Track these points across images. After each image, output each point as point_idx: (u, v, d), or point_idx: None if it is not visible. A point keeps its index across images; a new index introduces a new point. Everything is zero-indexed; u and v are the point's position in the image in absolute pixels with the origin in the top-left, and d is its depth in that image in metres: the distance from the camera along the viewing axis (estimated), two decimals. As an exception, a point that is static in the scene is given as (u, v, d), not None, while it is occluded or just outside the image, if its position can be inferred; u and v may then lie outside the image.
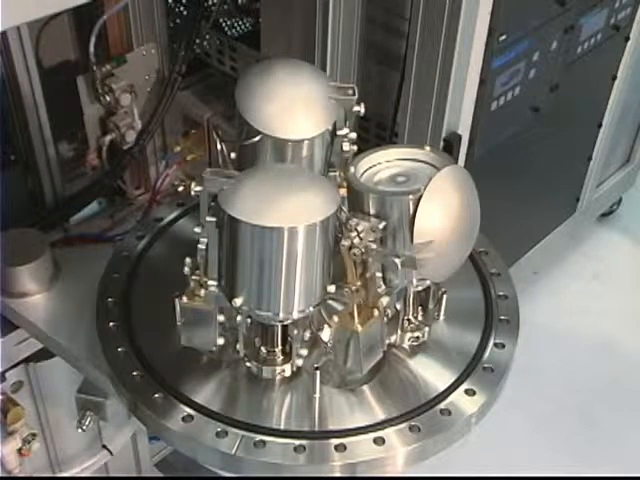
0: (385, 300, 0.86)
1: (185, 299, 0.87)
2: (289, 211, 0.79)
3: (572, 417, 1.82)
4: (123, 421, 1.27)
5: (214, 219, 0.81)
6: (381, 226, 0.83)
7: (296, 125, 0.89)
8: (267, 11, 1.37)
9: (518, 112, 1.45)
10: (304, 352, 0.91)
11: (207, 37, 1.48)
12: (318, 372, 0.90)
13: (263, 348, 0.92)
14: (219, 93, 1.49)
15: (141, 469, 1.48)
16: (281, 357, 0.93)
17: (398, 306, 0.93)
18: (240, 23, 1.50)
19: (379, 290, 0.85)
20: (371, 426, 0.88)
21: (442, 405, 0.89)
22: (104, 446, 1.29)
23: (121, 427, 1.29)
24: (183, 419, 0.87)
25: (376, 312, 0.86)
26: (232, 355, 0.93)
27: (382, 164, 0.88)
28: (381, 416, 0.89)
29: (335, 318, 0.86)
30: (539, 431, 1.79)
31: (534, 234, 1.87)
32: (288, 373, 0.93)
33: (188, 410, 0.88)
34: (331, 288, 0.85)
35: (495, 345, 0.95)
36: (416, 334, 0.95)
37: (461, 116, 1.26)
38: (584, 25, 1.48)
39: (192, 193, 0.82)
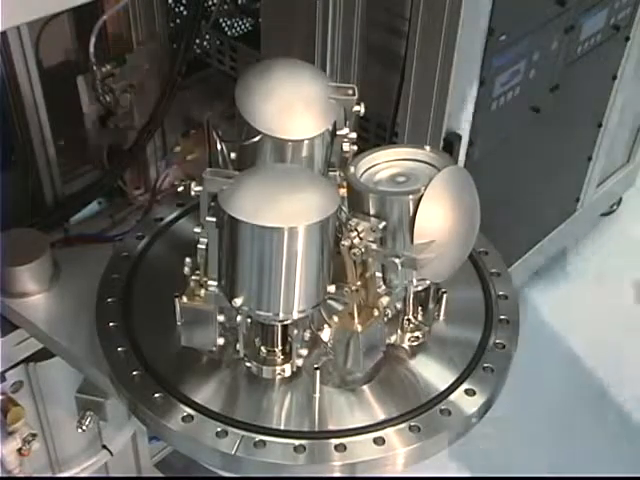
0: (385, 300, 0.86)
1: (185, 299, 0.87)
2: (289, 211, 0.79)
3: (572, 417, 1.82)
4: (123, 421, 1.27)
5: (214, 219, 0.81)
6: (381, 226, 0.83)
7: (296, 125, 0.89)
8: (267, 11, 1.37)
9: (518, 112, 1.44)
10: (304, 352, 0.91)
11: (207, 37, 1.48)
12: (318, 372, 0.90)
13: (263, 348, 0.93)
14: (219, 93, 1.49)
15: (141, 469, 1.48)
16: (281, 357, 0.93)
17: (398, 306, 0.93)
18: (240, 23, 1.50)
19: (379, 290, 0.85)
20: (371, 426, 0.88)
21: (442, 405, 0.89)
22: (104, 446, 1.29)
23: (121, 427, 1.29)
24: (183, 419, 0.87)
25: (376, 312, 0.86)
26: (232, 355, 0.93)
27: (382, 164, 0.88)
28: (381, 416, 0.89)
29: (335, 318, 0.86)
30: (539, 431, 1.79)
31: (534, 234, 1.87)
32: (288, 373, 0.93)
33: (188, 410, 0.88)
34: (331, 288, 0.85)
35: (495, 345, 0.95)
36: (416, 334, 0.95)
37: (461, 116, 1.26)
38: (584, 25, 1.48)
39: (192, 193, 0.82)
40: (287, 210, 0.79)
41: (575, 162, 1.85)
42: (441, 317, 0.99)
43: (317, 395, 0.91)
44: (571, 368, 1.91)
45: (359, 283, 0.84)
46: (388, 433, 0.87)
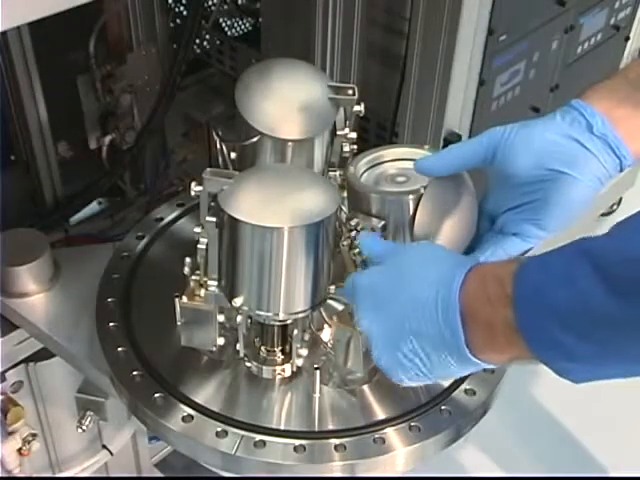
0: (385, 300, 0.86)
1: (185, 299, 0.87)
2: (289, 211, 0.79)
3: (572, 416, 1.82)
4: (123, 421, 1.27)
5: (214, 219, 0.81)
6: (380, 226, 0.82)
7: (296, 125, 0.89)
8: (267, 11, 1.37)
9: (518, 112, 1.44)
10: (304, 352, 0.91)
11: (207, 37, 1.48)
12: (318, 372, 0.90)
13: (263, 348, 0.93)
14: (219, 93, 1.49)
15: (141, 469, 1.47)
16: (281, 357, 0.93)
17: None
18: (240, 23, 1.50)
19: (379, 290, 0.85)
20: (371, 426, 0.88)
21: (442, 405, 0.89)
22: (104, 446, 1.29)
23: (121, 427, 1.29)
24: (183, 419, 0.87)
25: (376, 312, 0.86)
26: (232, 355, 0.93)
27: (382, 164, 0.88)
28: (381, 416, 0.89)
29: (335, 318, 0.86)
30: (538, 431, 1.79)
31: (534, 234, 1.87)
32: (288, 373, 0.93)
33: (188, 410, 0.88)
34: (331, 288, 0.85)
35: (495, 345, 0.95)
36: (416, 334, 0.95)
37: (461, 116, 1.25)
38: (584, 25, 1.48)
39: (192, 193, 0.82)
40: (287, 210, 0.79)
41: (575, 162, 1.84)
42: (441, 317, 0.98)
43: (317, 395, 0.91)
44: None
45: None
46: (388, 433, 0.87)
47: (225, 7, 1.47)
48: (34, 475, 1.23)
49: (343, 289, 0.77)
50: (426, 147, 0.88)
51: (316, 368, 0.90)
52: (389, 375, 0.72)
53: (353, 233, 0.82)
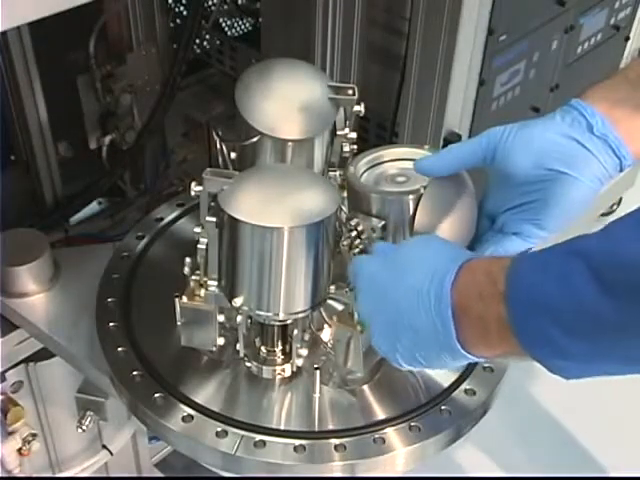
0: (385, 300, 0.86)
1: (185, 299, 0.87)
2: (289, 211, 0.79)
3: (572, 416, 1.82)
4: (123, 421, 1.27)
5: (214, 219, 0.81)
6: (380, 225, 0.83)
7: (296, 125, 0.89)
8: (267, 11, 1.37)
9: (518, 112, 1.44)
10: (304, 352, 0.91)
11: (207, 37, 1.48)
12: (318, 372, 0.90)
13: (263, 348, 0.93)
14: (219, 93, 1.49)
15: (141, 469, 1.48)
16: (281, 357, 0.93)
17: (398, 306, 0.92)
18: (240, 23, 1.50)
19: (379, 290, 0.85)
20: (371, 426, 0.88)
21: (442, 405, 0.90)
22: (104, 446, 1.29)
23: (121, 427, 1.29)
24: (183, 419, 0.87)
25: (376, 312, 0.86)
26: (232, 355, 0.93)
27: (382, 164, 0.88)
28: (381, 416, 0.89)
29: (335, 318, 0.86)
30: (538, 431, 1.79)
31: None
32: (288, 373, 0.93)
33: (188, 410, 0.88)
34: (331, 288, 0.85)
35: (495, 345, 0.95)
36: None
37: (461, 116, 1.25)
38: (584, 25, 1.48)
39: (192, 193, 0.82)
40: (287, 210, 0.79)
41: (575, 162, 1.84)
42: (441, 317, 0.98)
43: (317, 395, 0.91)
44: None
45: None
46: (388, 433, 0.87)
47: (225, 7, 1.47)
48: (34, 475, 1.23)
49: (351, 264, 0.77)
50: (426, 147, 0.87)
51: (316, 368, 0.90)
52: (389, 360, 0.73)
53: (353, 233, 0.82)
